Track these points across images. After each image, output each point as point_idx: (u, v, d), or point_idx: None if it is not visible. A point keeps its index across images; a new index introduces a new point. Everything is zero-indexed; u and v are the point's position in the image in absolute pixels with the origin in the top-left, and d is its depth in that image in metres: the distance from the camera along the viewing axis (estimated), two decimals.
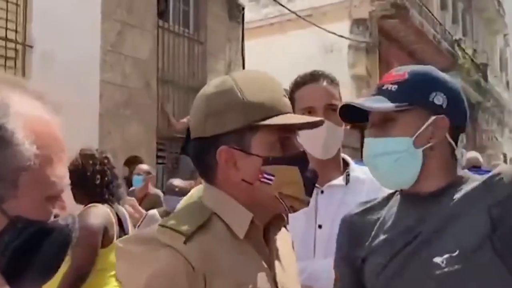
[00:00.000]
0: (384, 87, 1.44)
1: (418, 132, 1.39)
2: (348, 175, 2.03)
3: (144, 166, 6.62)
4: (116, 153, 7.70)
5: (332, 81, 2.03)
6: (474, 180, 1.42)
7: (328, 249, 1.88)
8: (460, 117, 1.45)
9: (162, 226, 1.19)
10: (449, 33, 21.63)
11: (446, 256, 1.30)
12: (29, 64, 7.54)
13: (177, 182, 5.58)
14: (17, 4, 7.34)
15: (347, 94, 15.65)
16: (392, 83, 1.44)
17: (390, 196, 1.54)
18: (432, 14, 19.47)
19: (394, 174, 1.42)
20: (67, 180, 0.90)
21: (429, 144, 1.39)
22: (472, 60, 23.50)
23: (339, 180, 2.02)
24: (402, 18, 16.23)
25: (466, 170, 1.54)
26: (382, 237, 1.45)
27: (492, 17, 29.14)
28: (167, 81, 9.19)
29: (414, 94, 1.40)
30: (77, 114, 7.69)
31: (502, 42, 33.46)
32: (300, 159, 1.27)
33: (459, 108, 1.45)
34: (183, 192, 5.36)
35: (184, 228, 1.17)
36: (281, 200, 1.24)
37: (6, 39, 7.16)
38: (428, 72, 1.46)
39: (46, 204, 0.88)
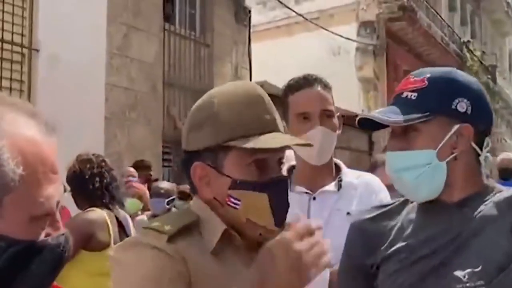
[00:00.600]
0: (404, 95, 1.36)
1: (442, 143, 1.32)
2: (341, 180, 2.02)
3: (130, 169, 6.59)
4: (121, 156, 7.69)
5: (326, 86, 2.02)
6: (499, 192, 1.35)
7: None
8: (485, 121, 1.37)
9: (146, 228, 1.20)
10: (457, 35, 21.56)
11: (468, 270, 1.25)
12: (35, 67, 7.54)
13: (163, 184, 5.56)
14: (23, 8, 7.35)
15: (355, 97, 15.60)
16: (411, 91, 1.35)
17: (405, 202, 1.46)
18: (440, 16, 19.41)
19: (419, 188, 1.35)
20: (56, 201, 0.88)
21: (453, 155, 1.32)
22: (480, 62, 23.41)
23: (331, 186, 2.01)
24: (410, 20, 16.19)
25: (491, 180, 1.46)
26: (400, 244, 1.37)
27: (501, 18, 29.02)
28: (173, 84, 9.18)
29: (436, 102, 1.32)
30: (83, 118, 7.70)
31: (511, 44, 33.34)
32: (274, 186, 1.20)
33: (484, 112, 1.37)
34: (169, 194, 5.33)
35: (167, 228, 1.16)
36: (249, 226, 1.20)
37: (12, 43, 7.17)
38: (450, 77, 1.37)
39: (33, 224, 0.85)
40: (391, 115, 1.33)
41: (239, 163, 1.19)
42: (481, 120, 1.36)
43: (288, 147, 1.29)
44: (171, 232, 1.16)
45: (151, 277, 1.11)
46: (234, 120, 1.19)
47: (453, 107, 1.32)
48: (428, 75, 1.36)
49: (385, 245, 1.40)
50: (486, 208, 1.32)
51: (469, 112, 1.32)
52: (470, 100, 1.33)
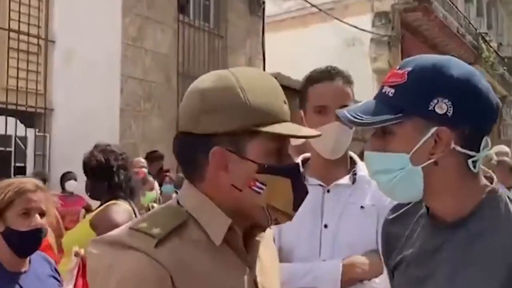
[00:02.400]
0: (383, 90, 1.24)
1: (416, 147, 1.19)
2: (355, 174, 2.00)
3: (140, 160, 6.42)
4: (136, 147, 7.75)
5: (347, 80, 1.98)
6: (501, 205, 1.21)
7: (334, 249, 1.87)
8: (474, 121, 1.19)
9: (132, 228, 1.13)
10: (473, 26, 21.34)
11: None
12: (51, 59, 7.62)
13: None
14: (39, 0, 7.40)
15: (369, 88, 15.57)
16: (390, 86, 1.23)
17: (419, 204, 1.35)
18: (456, 7, 19.22)
19: (393, 192, 1.26)
20: None
21: (430, 161, 1.19)
22: (497, 54, 23.18)
23: (346, 179, 1.99)
24: (425, 11, 16.05)
25: (498, 185, 1.27)
26: (404, 252, 1.32)
27: None
28: (187, 76, 9.19)
29: (411, 102, 1.18)
30: (98, 109, 7.76)
31: None
32: (294, 171, 1.20)
33: (472, 112, 1.18)
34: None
35: (156, 231, 1.11)
36: (267, 212, 1.17)
37: (28, 34, 7.23)
38: (433, 71, 1.19)
39: None
40: (363, 116, 1.22)
41: (264, 148, 1.15)
42: (467, 121, 1.18)
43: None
44: (160, 236, 1.10)
45: (130, 280, 1.06)
46: (262, 106, 1.15)
47: (430, 108, 1.17)
48: (410, 69, 1.21)
49: (396, 251, 1.36)
50: (484, 228, 1.19)
51: (449, 113, 1.16)
52: (452, 99, 1.17)
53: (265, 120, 1.15)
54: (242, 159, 1.15)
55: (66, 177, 6.59)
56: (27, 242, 2.17)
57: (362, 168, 2.02)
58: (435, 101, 1.16)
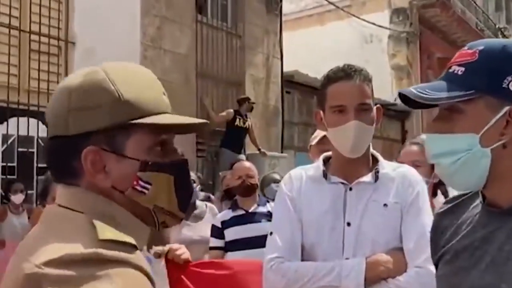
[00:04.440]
0: (451, 70, 1.20)
1: (487, 127, 1.14)
2: (377, 172, 2.00)
3: None
4: None
5: (365, 78, 1.97)
6: None
7: (357, 247, 1.88)
8: None
9: (103, 240, 0.94)
10: (492, 21, 21.13)
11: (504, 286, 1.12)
12: (71, 60, 7.70)
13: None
14: (59, 2, 7.50)
15: (388, 85, 15.44)
16: (459, 65, 1.19)
17: (474, 195, 1.30)
18: (475, 2, 19.05)
19: (455, 175, 1.19)
20: None
21: (500, 142, 1.14)
22: None
23: (368, 177, 1.98)
24: (443, 7, 15.95)
25: None
26: (453, 242, 1.27)
27: None
28: (206, 75, 9.25)
29: (484, 79, 1.14)
30: None
31: None
32: (179, 168, 1.10)
33: None
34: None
35: (128, 238, 0.97)
36: (154, 215, 1.07)
37: (49, 36, 7.32)
38: (505, 50, 1.16)
39: None
40: (431, 91, 1.17)
41: (144, 144, 1.05)
42: None
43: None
44: (134, 241, 0.98)
45: None
46: (137, 98, 1.04)
47: (504, 85, 1.13)
48: (481, 48, 1.18)
49: (442, 243, 1.31)
50: None
51: None
52: None
53: (141, 113, 1.04)
54: (121, 158, 1.03)
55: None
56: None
57: (384, 166, 2.02)
58: (509, 78, 1.13)
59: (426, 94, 1.16)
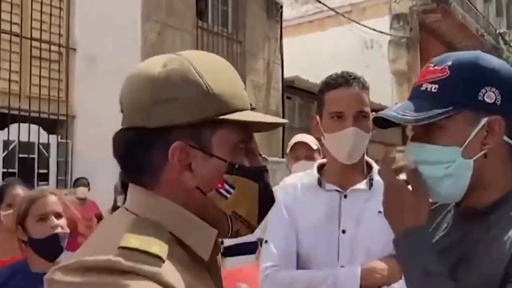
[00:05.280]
0: (423, 88, 1.20)
1: (467, 140, 1.15)
2: (372, 179, 1.99)
3: None
4: None
5: (364, 86, 1.97)
6: None
7: (352, 255, 1.87)
8: None
9: (124, 248, 0.85)
10: (492, 26, 21.16)
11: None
12: (72, 66, 7.72)
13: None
14: (60, 9, 7.52)
15: (388, 90, 15.43)
16: (431, 82, 1.19)
17: None
18: (475, 7, 19.08)
19: (442, 186, 1.18)
20: None
21: (482, 152, 1.15)
22: None
23: (362, 184, 1.98)
24: (444, 12, 15.96)
25: None
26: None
27: None
28: None
29: (460, 94, 1.15)
30: (119, 115, 7.80)
31: None
32: (263, 176, 1.02)
33: None
34: None
35: (156, 248, 0.87)
36: (229, 221, 0.98)
37: (50, 42, 7.34)
38: (475, 63, 1.18)
39: None
40: (411, 112, 1.17)
41: (229, 141, 0.97)
42: None
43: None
44: (163, 255, 0.87)
45: None
46: (225, 92, 0.97)
47: (480, 98, 1.14)
48: (449, 63, 1.18)
49: None
50: (500, 217, 1.16)
51: (498, 102, 1.14)
52: (499, 88, 1.15)
53: (227, 108, 0.96)
54: (208, 156, 0.95)
55: (76, 183, 6.64)
56: (49, 248, 2.25)
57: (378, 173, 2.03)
58: (483, 91, 1.14)
59: (408, 115, 1.16)
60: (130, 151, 0.96)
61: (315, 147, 3.35)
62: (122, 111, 1.00)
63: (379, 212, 1.90)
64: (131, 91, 0.98)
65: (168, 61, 0.97)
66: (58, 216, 2.27)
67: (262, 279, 1.94)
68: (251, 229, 1.02)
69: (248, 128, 1.00)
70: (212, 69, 0.99)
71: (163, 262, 0.85)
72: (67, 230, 2.31)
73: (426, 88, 1.19)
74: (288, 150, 3.27)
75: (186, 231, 0.95)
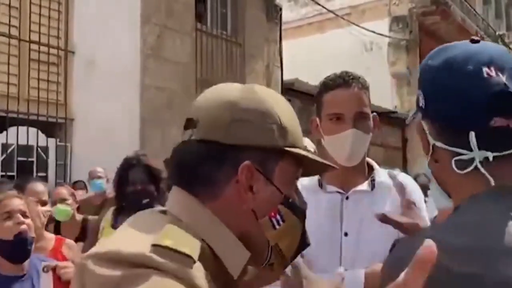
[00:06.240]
0: None
1: (422, 145, 1.10)
2: (373, 180, 1.96)
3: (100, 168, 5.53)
4: (157, 156, 7.76)
5: (363, 86, 1.93)
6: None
7: (355, 258, 1.83)
8: (443, 114, 1.03)
9: (156, 245, 0.86)
10: (492, 28, 21.17)
11: None
12: (71, 69, 7.70)
13: (99, 168, 5.31)
14: (59, 11, 7.51)
15: (387, 92, 15.45)
16: None
17: None
18: (474, 9, 19.08)
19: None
20: None
21: (428, 156, 1.08)
22: None
23: (364, 186, 1.94)
24: (443, 14, 15.97)
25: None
26: None
27: None
28: (206, 84, 9.22)
29: (416, 98, 1.11)
30: (118, 118, 7.83)
31: None
32: (305, 216, 1.05)
33: (444, 102, 1.02)
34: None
35: (188, 249, 0.87)
36: (269, 252, 0.99)
37: (48, 45, 7.32)
38: (422, 64, 1.10)
39: None
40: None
41: (288, 176, 1.00)
42: (437, 113, 1.04)
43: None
44: (195, 255, 0.88)
45: None
46: (291, 126, 1.01)
47: (421, 104, 1.08)
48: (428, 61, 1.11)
49: None
50: None
51: (423, 105, 1.07)
52: (423, 90, 1.07)
53: (291, 143, 1.00)
54: (269, 183, 0.97)
55: (74, 186, 6.62)
56: (15, 250, 2.26)
57: (380, 174, 1.99)
58: (418, 93, 1.08)
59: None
60: (200, 162, 0.98)
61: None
62: (186, 127, 1.04)
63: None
64: (210, 107, 1.01)
65: (247, 87, 1.04)
66: (24, 215, 2.27)
67: None
68: (284, 266, 1.03)
69: (301, 167, 1.03)
70: (283, 105, 1.03)
71: (194, 262, 0.86)
72: (33, 234, 2.32)
73: None
74: None
75: (221, 245, 0.96)
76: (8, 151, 7.02)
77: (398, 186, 1.95)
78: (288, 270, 1.51)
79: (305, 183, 1.98)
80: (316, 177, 1.98)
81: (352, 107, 1.89)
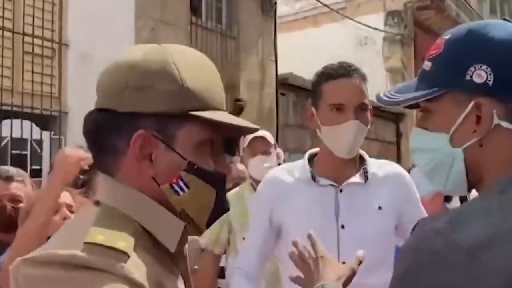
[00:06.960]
0: (423, 66, 1.09)
1: (455, 125, 1.01)
2: (366, 171, 1.94)
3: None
4: None
5: (363, 77, 1.91)
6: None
7: (354, 251, 1.75)
8: None
9: (89, 243, 0.85)
10: None
11: None
12: (65, 62, 7.67)
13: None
14: (53, 4, 7.46)
15: (382, 87, 15.55)
16: (428, 59, 1.08)
17: None
18: (469, 4, 19.10)
19: (432, 177, 1.09)
20: None
21: (473, 140, 1.00)
22: None
23: (357, 178, 1.93)
24: (438, 9, 15.98)
25: None
26: None
27: None
28: None
29: (446, 73, 1.02)
30: None
31: None
32: (222, 183, 1.01)
33: None
34: None
35: (120, 243, 0.86)
36: (179, 217, 0.98)
37: (43, 38, 7.29)
38: (468, 36, 1.02)
39: None
40: (396, 93, 1.10)
41: (193, 140, 0.96)
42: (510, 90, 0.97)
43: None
44: (129, 250, 0.86)
45: None
46: (199, 88, 0.97)
47: (468, 77, 0.98)
48: (448, 36, 1.06)
49: None
50: None
51: (490, 81, 0.97)
52: (492, 64, 0.97)
53: (198, 105, 0.96)
54: (170, 151, 0.95)
55: None
56: None
57: (371, 165, 1.97)
58: (472, 68, 0.98)
59: (390, 98, 1.09)
60: (97, 132, 0.98)
61: (272, 142, 3.37)
62: (96, 93, 1.01)
63: (379, 207, 1.87)
64: (109, 73, 0.99)
65: (150, 50, 0.99)
66: (70, 209, 2.32)
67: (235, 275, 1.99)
68: (199, 231, 1.03)
69: (219, 129, 0.99)
70: (192, 65, 0.99)
71: (129, 257, 0.85)
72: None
73: (424, 66, 1.09)
74: (245, 145, 3.28)
75: (154, 221, 0.95)
76: (2, 144, 7.00)
77: (394, 177, 1.95)
78: (302, 247, 1.51)
79: (297, 176, 1.97)
80: (309, 170, 1.96)
81: (354, 98, 1.87)
